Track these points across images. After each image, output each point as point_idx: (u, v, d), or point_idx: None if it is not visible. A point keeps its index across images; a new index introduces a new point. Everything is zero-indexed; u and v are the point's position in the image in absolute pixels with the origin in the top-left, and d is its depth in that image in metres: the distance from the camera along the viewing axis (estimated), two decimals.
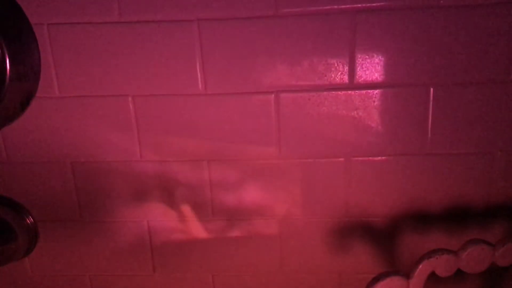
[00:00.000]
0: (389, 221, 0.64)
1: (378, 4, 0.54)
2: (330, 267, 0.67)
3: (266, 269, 0.68)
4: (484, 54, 0.55)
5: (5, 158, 0.64)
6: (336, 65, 0.57)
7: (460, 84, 0.57)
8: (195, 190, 0.64)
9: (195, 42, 0.57)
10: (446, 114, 0.58)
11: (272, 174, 0.63)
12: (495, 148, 0.60)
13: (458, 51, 0.55)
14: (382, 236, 0.65)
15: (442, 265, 0.46)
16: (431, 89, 0.57)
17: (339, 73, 0.57)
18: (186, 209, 0.65)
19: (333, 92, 0.58)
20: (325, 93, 0.58)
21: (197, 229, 0.66)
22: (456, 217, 0.63)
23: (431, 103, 0.58)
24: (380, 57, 0.56)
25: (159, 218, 0.66)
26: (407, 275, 0.47)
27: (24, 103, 0.60)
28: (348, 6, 0.54)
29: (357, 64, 0.57)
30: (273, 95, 0.59)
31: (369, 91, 0.58)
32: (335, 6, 0.55)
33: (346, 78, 0.58)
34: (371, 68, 0.57)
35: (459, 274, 0.47)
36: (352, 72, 0.57)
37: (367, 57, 0.57)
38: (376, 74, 0.57)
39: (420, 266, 0.46)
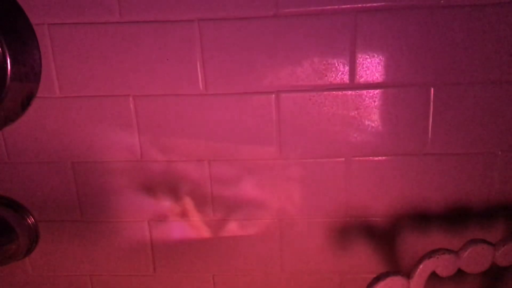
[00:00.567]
0: (390, 221, 0.64)
1: (379, 4, 0.54)
2: (331, 267, 0.67)
3: (266, 269, 0.68)
4: (484, 54, 0.55)
5: (6, 158, 0.64)
6: (336, 65, 0.57)
7: (460, 84, 0.57)
8: (195, 190, 0.64)
9: (195, 42, 0.57)
10: (446, 114, 0.58)
11: (272, 174, 0.63)
12: (495, 148, 0.60)
13: (458, 51, 0.56)
14: (382, 236, 0.65)
15: (442, 265, 0.46)
16: (431, 89, 0.57)
17: (340, 73, 0.57)
18: (187, 209, 0.65)
19: (334, 92, 0.58)
20: (325, 93, 0.59)
21: (197, 229, 0.67)
22: (456, 217, 0.63)
23: (431, 103, 0.58)
24: (380, 57, 0.56)
25: (160, 218, 0.66)
26: (408, 275, 0.47)
27: (25, 103, 0.60)
28: (348, 6, 0.55)
29: (358, 64, 0.57)
30: (273, 95, 0.59)
31: (369, 91, 0.58)
32: (336, 6, 0.55)
33: (346, 78, 0.58)
34: (372, 68, 0.57)
35: (460, 274, 0.47)
36: (352, 72, 0.57)
37: (368, 57, 0.57)
38: (377, 74, 0.57)
39: (421, 266, 0.46)
